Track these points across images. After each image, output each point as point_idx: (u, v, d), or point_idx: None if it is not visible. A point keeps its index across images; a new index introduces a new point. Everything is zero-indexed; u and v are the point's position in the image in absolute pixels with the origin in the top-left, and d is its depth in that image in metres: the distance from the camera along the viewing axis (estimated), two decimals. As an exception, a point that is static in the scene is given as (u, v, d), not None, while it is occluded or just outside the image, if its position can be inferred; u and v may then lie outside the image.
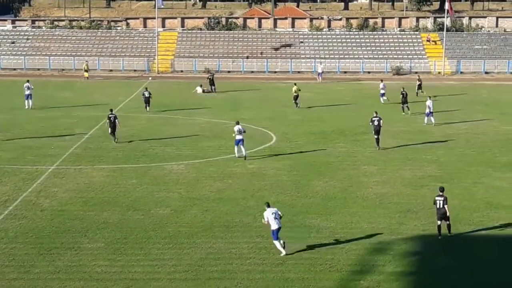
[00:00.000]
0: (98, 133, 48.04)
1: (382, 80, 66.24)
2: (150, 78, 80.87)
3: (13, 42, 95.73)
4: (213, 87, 71.69)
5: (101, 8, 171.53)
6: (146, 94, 58.19)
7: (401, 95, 57.76)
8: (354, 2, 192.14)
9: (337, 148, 44.09)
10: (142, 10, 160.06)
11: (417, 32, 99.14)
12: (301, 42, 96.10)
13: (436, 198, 27.77)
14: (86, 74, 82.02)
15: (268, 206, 26.29)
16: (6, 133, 47.78)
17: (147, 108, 57.77)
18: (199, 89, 67.34)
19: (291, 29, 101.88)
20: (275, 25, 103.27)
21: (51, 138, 46.29)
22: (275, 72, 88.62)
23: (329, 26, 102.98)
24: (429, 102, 52.67)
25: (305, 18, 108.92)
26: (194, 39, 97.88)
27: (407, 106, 57.51)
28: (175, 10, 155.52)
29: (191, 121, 53.85)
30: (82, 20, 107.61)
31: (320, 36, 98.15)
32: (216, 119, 54.38)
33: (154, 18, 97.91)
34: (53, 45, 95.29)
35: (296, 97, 60.94)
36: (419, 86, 68.05)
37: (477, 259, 25.70)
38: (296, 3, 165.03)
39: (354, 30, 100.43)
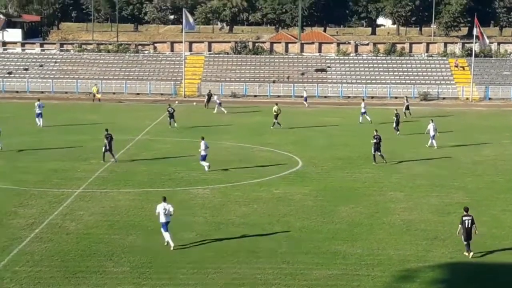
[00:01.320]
0: (124, 157, 48.28)
1: (363, 100, 70.77)
2: (176, 102, 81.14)
3: (41, 65, 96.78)
4: (207, 104, 76.21)
5: (128, 32, 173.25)
6: (170, 110, 61.70)
7: (395, 117, 59.65)
8: (382, 27, 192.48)
9: (363, 174, 43.97)
10: (169, 34, 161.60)
11: (445, 58, 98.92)
12: (328, 67, 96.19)
13: (464, 218, 28.02)
14: (98, 96, 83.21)
15: (164, 200, 29.39)
16: (33, 155, 48.19)
17: (171, 123, 60.74)
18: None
19: (317, 54, 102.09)
20: (302, 50, 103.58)
21: (78, 161, 46.59)
22: (301, 96, 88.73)
23: (356, 51, 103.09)
24: (431, 126, 53.54)
25: (332, 43, 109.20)
26: (221, 63, 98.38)
27: (397, 128, 59.19)
28: (202, 34, 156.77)
29: (217, 145, 53.89)
30: (110, 44, 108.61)
31: (347, 61, 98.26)
32: (241, 143, 54.48)
33: (181, 42, 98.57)
34: (80, 69, 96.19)
35: (276, 117, 62.68)
36: (407, 107, 69.58)
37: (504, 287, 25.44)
38: (323, 28, 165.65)
39: (381, 55, 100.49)
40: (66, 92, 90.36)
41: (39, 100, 64.87)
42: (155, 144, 52.99)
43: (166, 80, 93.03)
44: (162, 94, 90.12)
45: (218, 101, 74.70)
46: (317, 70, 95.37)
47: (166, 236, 29.13)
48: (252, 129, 62.54)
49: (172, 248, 28.83)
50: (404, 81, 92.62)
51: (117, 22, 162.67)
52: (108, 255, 27.96)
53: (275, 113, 63.05)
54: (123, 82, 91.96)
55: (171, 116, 62.06)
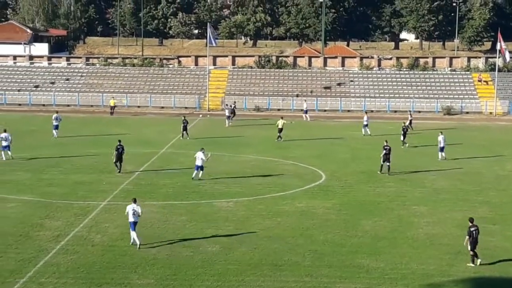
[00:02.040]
0: (148, 170, 48.46)
1: (366, 113, 72.62)
2: (200, 115, 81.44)
3: (67, 79, 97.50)
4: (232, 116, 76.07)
5: (153, 46, 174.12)
6: (184, 123, 63.69)
7: (402, 130, 60.64)
8: (405, 41, 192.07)
9: (386, 188, 43.81)
10: (194, 48, 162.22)
11: (468, 72, 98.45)
12: (351, 81, 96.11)
13: (472, 229, 28.59)
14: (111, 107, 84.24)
15: (134, 202, 31.15)
16: (59, 168, 48.50)
17: (184, 135, 63.11)
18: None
19: (341, 68, 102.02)
20: (325, 64, 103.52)
21: (103, 173, 46.81)
22: (325, 110, 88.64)
23: (379, 65, 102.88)
24: (440, 137, 53.94)
25: (355, 57, 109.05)
26: (245, 77, 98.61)
27: (404, 141, 59.96)
28: (226, 48, 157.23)
29: (240, 158, 54.03)
30: (135, 58, 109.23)
31: (370, 75, 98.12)
32: (264, 157, 54.48)
33: (206, 56, 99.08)
34: (106, 82, 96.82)
35: (280, 130, 63.16)
36: (410, 122, 69.28)
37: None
38: (346, 42, 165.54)
39: (404, 69, 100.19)
40: (91, 106, 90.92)
41: (57, 112, 66.99)
42: (179, 157, 53.16)
43: (190, 94, 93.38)
44: (186, 107, 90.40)
45: (227, 114, 75.11)
46: (340, 84, 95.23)
47: (133, 234, 30.81)
48: (275, 142, 62.49)
49: (138, 247, 30.20)
50: (427, 96, 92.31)
51: (142, 37, 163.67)
52: (132, 267, 28.03)
53: (280, 127, 63.55)
54: (148, 95, 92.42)
55: (185, 128, 63.83)
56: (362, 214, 36.92)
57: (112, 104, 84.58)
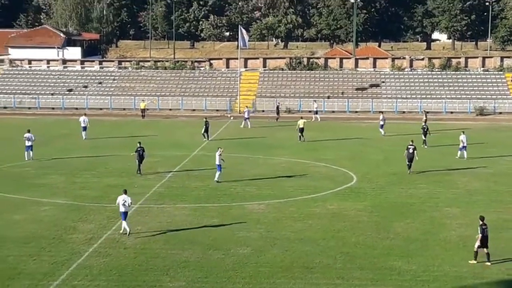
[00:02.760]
0: (180, 172, 48.65)
1: (382, 113, 72.66)
2: (231, 118, 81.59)
3: (100, 83, 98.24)
4: (278, 116, 79.90)
5: (185, 49, 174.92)
6: (206, 124, 64.01)
7: (422, 129, 61.41)
8: (437, 42, 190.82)
9: (418, 189, 43.53)
10: (225, 50, 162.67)
11: (501, 72, 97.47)
12: (383, 82, 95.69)
13: (484, 227, 28.92)
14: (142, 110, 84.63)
15: (125, 193, 33.14)
16: (92, 171, 48.86)
17: (205, 137, 63.21)
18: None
19: (372, 69, 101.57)
20: (356, 65, 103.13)
21: (135, 176, 47.06)
22: (356, 112, 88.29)
23: (411, 66, 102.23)
24: (462, 137, 54.14)
25: (386, 58, 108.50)
26: (276, 79, 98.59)
27: (424, 141, 60.34)
28: (257, 50, 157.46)
29: (271, 160, 54.03)
30: (167, 61, 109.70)
31: (402, 76, 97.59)
32: (296, 159, 54.42)
33: (237, 58, 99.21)
34: (138, 85, 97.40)
35: (301, 130, 63.70)
36: (425, 122, 67.90)
37: None
38: (377, 43, 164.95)
39: (436, 70, 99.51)
40: (124, 109, 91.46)
41: (85, 114, 68.08)
42: (211, 160, 52.99)
43: (222, 96, 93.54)
44: (217, 110, 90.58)
45: (246, 116, 75.57)
46: (371, 86, 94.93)
47: (123, 224, 33.01)
48: (307, 144, 62.40)
49: (128, 234, 32.56)
50: (459, 96, 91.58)
51: (174, 40, 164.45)
52: (164, 269, 28.15)
53: (301, 126, 64.16)
54: (180, 98, 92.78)
55: (206, 130, 63.99)
56: (394, 216, 36.73)
57: (142, 107, 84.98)
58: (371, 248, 31.11)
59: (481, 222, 29.30)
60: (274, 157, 55.29)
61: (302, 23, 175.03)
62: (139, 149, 47.86)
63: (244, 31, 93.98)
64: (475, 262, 29.00)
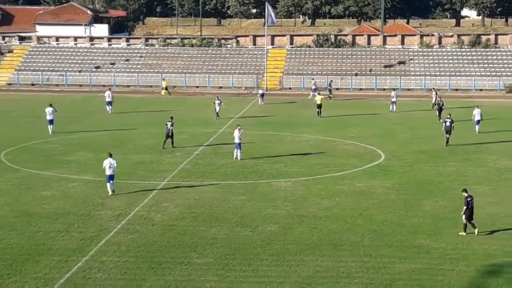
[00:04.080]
0: (208, 149, 48.77)
1: (394, 89, 74.13)
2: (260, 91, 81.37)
3: (127, 60, 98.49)
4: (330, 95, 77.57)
5: (212, 26, 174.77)
6: (217, 103, 63.97)
7: (437, 105, 62.95)
8: (466, 18, 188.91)
9: (447, 167, 43.29)
10: (252, 27, 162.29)
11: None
12: (411, 59, 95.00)
13: (468, 199, 29.68)
14: (163, 92, 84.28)
15: (110, 156, 35.77)
16: (120, 148, 49.04)
17: (217, 117, 63.16)
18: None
19: (400, 46, 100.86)
20: (384, 42, 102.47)
21: (162, 154, 47.25)
22: (384, 89, 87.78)
23: (439, 43, 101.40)
24: (476, 111, 55.28)
25: (415, 35, 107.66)
26: (303, 56, 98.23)
27: (439, 115, 61.17)
28: (284, 27, 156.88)
29: (299, 138, 53.95)
30: (194, 38, 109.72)
31: (431, 53, 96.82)
32: (324, 137, 54.30)
33: (264, 35, 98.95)
34: (165, 63, 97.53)
35: (319, 106, 64.14)
36: (440, 98, 67.75)
37: None
38: (406, 20, 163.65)
39: (465, 47, 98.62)
40: (151, 86, 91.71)
41: (110, 89, 69.93)
42: (238, 137, 53.23)
43: (249, 74, 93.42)
44: (245, 87, 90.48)
45: (260, 92, 75.44)
46: (400, 63, 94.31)
47: (108, 186, 35.79)
48: (335, 122, 62.26)
49: (110, 194, 35.49)
50: (489, 73, 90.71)
51: (201, 17, 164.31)
52: (192, 246, 28.28)
53: (318, 103, 64.45)
54: (206, 75, 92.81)
55: (218, 110, 63.72)
56: (422, 194, 36.58)
57: (164, 85, 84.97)
58: (399, 226, 31.03)
59: (465, 194, 29.88)
60: (301, 135, 55.21)
61: (329, 0, 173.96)
62: (167, 123, 48.60)
63: (271, 8, 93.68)
64: (464, 233, 29.63)
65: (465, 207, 29.68)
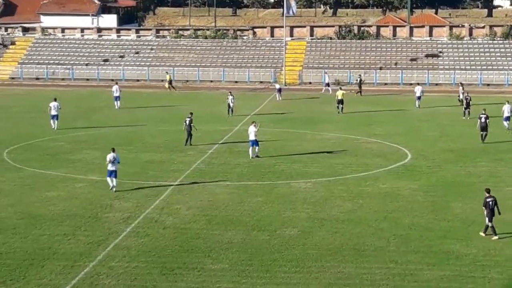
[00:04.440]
0: (222, 148, 48.83)
1: (419, 84, 73.92)
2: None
3: (137, 52, 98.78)
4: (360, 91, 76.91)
5: (226, 17, 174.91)
6: (230, 98, 63.57)
7: (465, 100, 63.22)
8: (499, 8, 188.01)
9: (478, 167, 43.13)
10: (269, 18, 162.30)
11: None
12: (440, 52, 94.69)
13: (488, 199, 29.83)
14: (167, 85, 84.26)
15: (113, 151, 36.94)
16: (129, 146, 49.20)
17: (230, 113, 63.05)
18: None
19: (428, 38, 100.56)
20: (411, 34, 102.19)
21: (174, 152, 47.36)
22: (411, 84, 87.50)
23: (470, 34, 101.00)
24: (505, 107, 55.68)
25: (444, 26, 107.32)
26: (324, 49, 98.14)
27: (468, 111, 61.79)
28: (304, 18, 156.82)
29: (320, 136, 53.94)
30: (207, 29, 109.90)
31: (461, 46, 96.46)
32: (346, 135, 54.25)
33: (282, 26, 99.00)
34: (177, 56, 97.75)
35: (340, 101, 64.76)
36: (467, 93, 67.79)
37: None
38: (434, 10, 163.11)
39: (498, 38, 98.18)
40: (162, 80, 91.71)
41: (116, 83, 71.09)
42: (255, 135, 53.28)
43: (266, 67, 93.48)
44: (261, 82, 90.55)
45: (278, 86, 75.80)
46: (427, 56, 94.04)
47: (108, 180, 37.03)
48: (358, 119, 62.19)
49: (110, 189, 36.77)
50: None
51: (215, 6, 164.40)
52: (206, 251, 28.31)
53: (340, 98, 64.95)
54: (221, 69, 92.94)
55: (230, 105, 63.57)
56: (451, 196, 36.46)
57: (168, 79, 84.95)
58: (427, 230, 30.94)
59: (486, 195, 30.03)
60: (323, 133, 55.19)
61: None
62: (187, 118, 49.22)
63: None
64: (483, 234, 29.92)
65: (484, 208, 30.02)
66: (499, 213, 29.97)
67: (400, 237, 30.07)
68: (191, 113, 50.32)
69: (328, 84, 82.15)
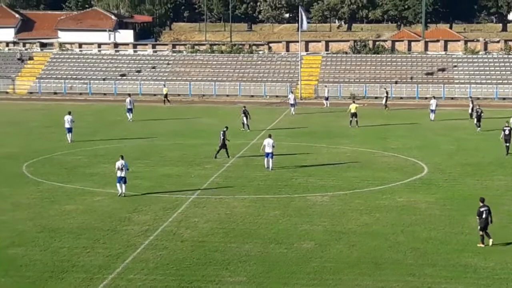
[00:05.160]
0: (239, 162, 48.84)
1: (434, 97, 73.04)
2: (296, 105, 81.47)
3: (153, 67, 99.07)
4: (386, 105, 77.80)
5: (242, 32, 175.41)
6: (245, 113, 63.34)
7: (476, 113, 63.61)
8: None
9: (495, 181, 42.96)
10: (285, 33, 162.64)
11: None
12: (455, 66, 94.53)
13: (482, 209, 30.47)
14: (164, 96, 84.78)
15: (122, 158, 38.46)
16: (146, 160, 49.35)
17: (244, 126, 62.99)
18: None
19: (443, 52, 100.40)
20: (426, 48, 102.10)
21: (191, 166, 47.42)
22: (426, 98, 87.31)
23: (485, 49, 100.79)
24: None
25: (459, 41, 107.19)
26: (339, 63, 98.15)
27: (479, 124, 62.30)
28: (319, 33, 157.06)
29: (336, 149, 53.89)
30: (223, 44, 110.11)
31: (476, 60, 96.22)
32: (362, 148, 54.17)
33: (297, 41, 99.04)
34: (193, 70, 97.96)
35: (353, 115, 64.63)
36: (472, 109, 68.93)
37: None
38: (448, 25, 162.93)
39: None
40: (178, 95, 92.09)
41: (129, 95, 71.93)
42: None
43: (282, 82, 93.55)
44: (277, 96, 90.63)
45: (292, 102, 75.76)
46: (439, 70, 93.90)
47: (118, 187, 38.63)
48: (374, 132, 62.10)
49: (119, 195, 38.34)
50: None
51: (231, 22, 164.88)
52: (224, 264, 28.31)
53: (353, 111, 64.87)
54: (237, 83, 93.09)
55: (246, 119, 63.27)
56: (468, 210, 36.20)
57: (164, 93, 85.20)
58: (444, 244, 30.82)
59: (480, 204, 30.72)
60: (338, 146, 55.14)
61: (367, 3, 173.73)
62: (221, 132, 49.81)
63: (304, 13, 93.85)
64: (482, 245, 30.22)
65: (477, 218, 30.63)
66: (491, 222, 30.58)
67: (417, 250, 29.97)
68: (226, 127, 50.75)
69: (327, 98, 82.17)
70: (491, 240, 30.19)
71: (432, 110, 69.82)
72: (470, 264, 28.27)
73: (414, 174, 44.94)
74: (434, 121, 68.44)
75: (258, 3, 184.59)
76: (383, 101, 78.95)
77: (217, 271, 27.55)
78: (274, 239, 31.47)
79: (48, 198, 38.79)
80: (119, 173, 38.39)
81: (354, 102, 67.93)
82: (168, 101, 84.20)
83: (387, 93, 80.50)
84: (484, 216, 30.28)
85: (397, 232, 32.65)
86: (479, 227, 30.43)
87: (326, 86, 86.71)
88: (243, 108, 64.45)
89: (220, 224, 33.85)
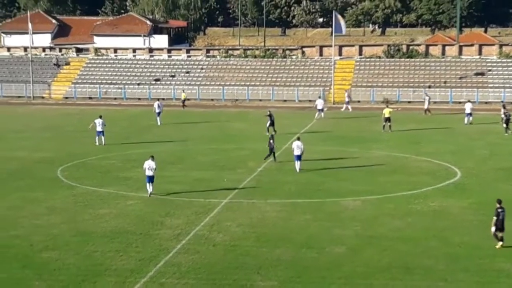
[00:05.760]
0: (271, 166, 48.82)
1: (469, 101, 73.20)
2: (325, 109, 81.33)
3: (187, 72, 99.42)
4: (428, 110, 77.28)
5: (276, 36, 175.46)
6: (271, 117, 62.54)
7: (504, 116, 63.13)
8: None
9: (530, 186, 42.55)
10: (318, 37, 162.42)
11: None
12: (489, 70, 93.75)
13: (499, 210, 30.82)
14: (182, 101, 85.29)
15: (152, 159, 39.54)
16: (179, 164, 49.54)
17: (269, 130, 61.16)
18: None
19: (477, 57, 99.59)
20: (460, 52, 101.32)
21: (224, 170, 47.50)
22: (460, 102, 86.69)
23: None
24: None
25: (493, 45, 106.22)
26: (373, 67, 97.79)
27: (507, 128, 62.06)
28: (352, 37, 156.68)
29: (368, 154, 53.67)
30: (257, 49, 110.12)
31: (510, 64, 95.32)
32: (395, 153, 53.90)
33: (331, 46, 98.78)
34: (227, 75, 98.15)
35: (387, 119, 64.20)
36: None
37: None
38: (483, 29, 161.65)
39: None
40: (212, 99, 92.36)
41: (158, 99, 73.37)
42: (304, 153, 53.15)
43: (315, 86, 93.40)
44: (310, 100, 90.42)
45: (320, 107, 75.08)
46: (476, 74, 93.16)
47: (147, 186, 39.61)
48: (407, 137, 61.76)
49: (149, 195, 39.41)
50: None
51: (264, 26, 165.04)
52: (255, 268, 28.28)
53: (387, 116, 64.49)
54: (270, 88, 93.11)
55: (272, 123, 62.41)
56: (501, 215, 35.91)
57: (183, 98, 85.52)
58: (477, 249, 30.55)
59: (497, 205, 30.82)
60: (371, 151, 54.91)
61: (401, 8, 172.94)
62: (270, 136, 50.60)
63: (339, 17, 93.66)
64: (498, 246, 30.52)
65: (494, 218, 30.70)
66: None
67: (450, 255, 29.73)
68: (275, 131, 52.24)
69: (348, 102, 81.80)
70: (500, 243, 30.31)
71: (467, 114, 69.38)
72: (503, 269, 28.00)
73: (447, 179, 44.62)
74: (470, 124, 67.91)
75: (292, 8, 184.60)
76: (425, 105, 78.31)
77: (249, 275, 27.54)
78: (305, 244, 31.40)
79: (82, 202, 39.07)
80: (147, 172, 39.54)
81: (387, 106, 67.61)
82: (185, 106, 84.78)
83: (429, 98, 79.99)
84: (500, 217, 30.58)
85: (429, 237, 32.43)
86: (494, 227, 30.61)
87: (346, 90, 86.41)
88: (268, 112, 64.20)
89: (252, 228, 33.85)
